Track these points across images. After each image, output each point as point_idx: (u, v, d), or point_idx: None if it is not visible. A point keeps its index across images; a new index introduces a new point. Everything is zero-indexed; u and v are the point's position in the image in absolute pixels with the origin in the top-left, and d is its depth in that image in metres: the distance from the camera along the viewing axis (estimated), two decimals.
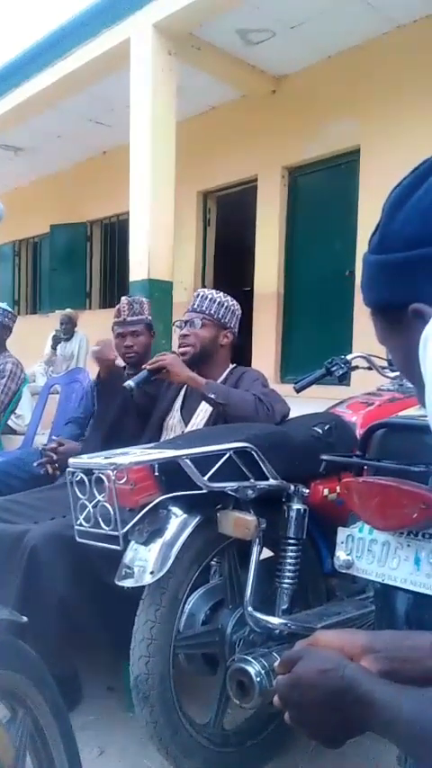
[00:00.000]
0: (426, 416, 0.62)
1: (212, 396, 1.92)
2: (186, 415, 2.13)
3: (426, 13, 5.05)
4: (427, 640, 0.68)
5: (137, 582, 1.47)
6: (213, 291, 2.21)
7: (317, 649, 0.72)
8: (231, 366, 2.22)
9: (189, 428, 2.08)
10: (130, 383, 2.02)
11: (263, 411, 1.89)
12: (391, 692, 0.62)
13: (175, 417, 2.15)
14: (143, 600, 1.50)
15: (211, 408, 2.04)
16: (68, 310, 7.15)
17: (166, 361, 2.02)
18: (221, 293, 2.21)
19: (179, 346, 2.15)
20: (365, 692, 0.63)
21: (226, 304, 2.18)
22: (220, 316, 2.16)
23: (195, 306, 2.18)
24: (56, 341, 6.89)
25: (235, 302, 2.23)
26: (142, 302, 2.57)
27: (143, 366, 2.09)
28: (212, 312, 2.15)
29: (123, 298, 2.65)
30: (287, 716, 0.71)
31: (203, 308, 2.16)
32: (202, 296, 2.19)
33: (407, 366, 0.68)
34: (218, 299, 2.17)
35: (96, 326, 6.56)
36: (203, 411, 2.07)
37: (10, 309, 3.63)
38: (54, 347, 6.88)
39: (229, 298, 2.21)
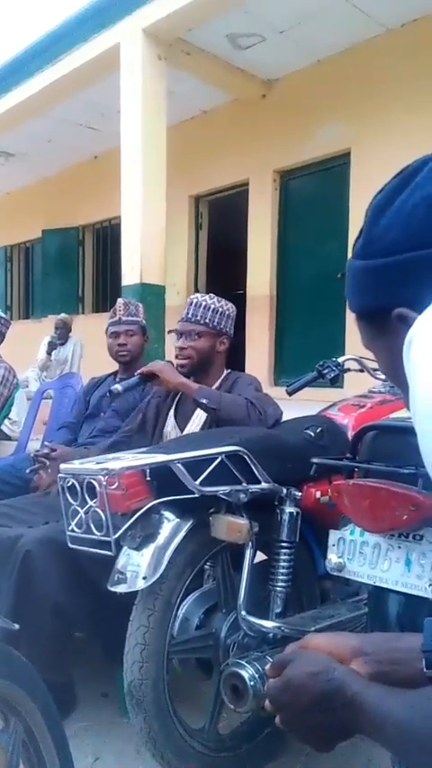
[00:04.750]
0: None
1: (204, 401, 1.92)
2: (181, 421, 2.12)
3: (414, 16, 5.09)
4: (417, 642, 0.68)
5: (130, 587, 1.47)
6: (207, 297, 2.15)
7: (307, 652, 0.72)
8: (226, 372, 2.20)
9: (186, 432, 2.08)
10: (117, 387, 2.01)
11: (255, 415, 1.89)
12: (381, 695, 0.62)
13: (169, 424, 2.14)
14: (136, 605, 1.50)
15: (206, 413, 2.04)
16: (63, 315, 7.13)
17: (158, 368, 2.01)
18: (215, 298, 2.16)
19: (176, 358, 2.12)
20: (355, 694, 0.63)
21: (221, 310, 2.13)
22: (215, 323, 2.11)
23: (190, 315, 2.11)
24: (51, 346, 6.87)
25: (229, 305, 2.18)
26: (137, 305, 2.64)
27: (135, 373, 2.08)
28: (208, 321, 2.10)
29: (119, 299, 2.69)
30: (278, 719, 0.72)
31: (198, 318, 2.10)
32: (196, 304, 2.12)
33: (392, 370, 0.69)
34: (212, 306, 2.12)
35: (89, 331, 6.57)
36: (199, 417, 2.06)
37: (3, 315, 3.62)
38: (49, 353, 6.86)
39: (223, 302, 2.16)
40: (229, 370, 2.22)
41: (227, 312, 2.15)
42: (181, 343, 2.11)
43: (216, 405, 1.90)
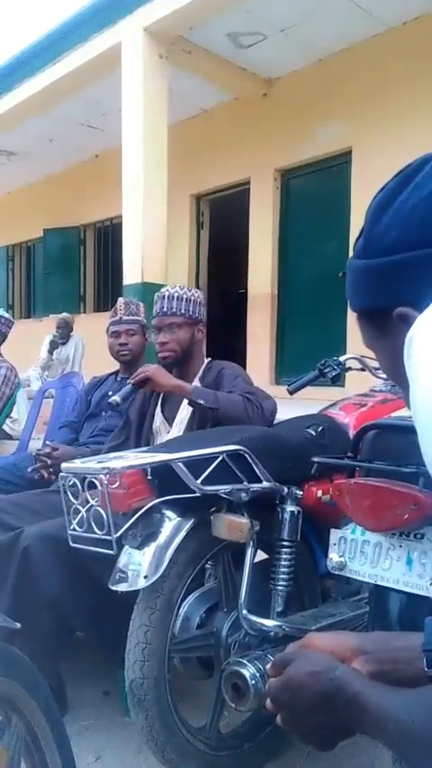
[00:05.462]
0: None
1: (202, 401, 1.91)
2: (169, 415, 2.11)
3: (415, 15, 5.08)
4: (418, 641, 0.68)
5: (131, 586, 1.47)
6: (177, 288, 2.14)
7: (308, 652, 0.72)
8: (207, 360, 2.20)
9: (174, 426, 2.07)
10: (115, 398, 1.98)
11: (252, 410, 1.88)
12: (381, 694, 0.62)
13: (157, 420, 2.14)
14: (138, 604, 1.50)
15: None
16: (65, 314, 7.14)
17: (149, 372, 1.99)
18: (185, 288, 2.15)
19: (159, 353, 2.12)
20: (355, 693, 0.63)
21: (192, 298, 2.12)
22: (191, 312, 2.11)
23: (165, 309, 2.10)
24: (53, 346, 6.87)
25: (198, 292, 2.17)
26: (138, 304, 2.65)
27: (127, 381, 2.06)
28: (183, 311, 2.09)
29: (120, 298, 2.69)
30: (279, 718, 0.72)
31: (174, 309, 2.09)
32: (169, 296, 2.11)
33: (393, 369, 0.69)
34: (184, 296, 2.11)
35: (91, 330, 6.57)
36: (185, 410, 2.06)
37: (5, 315, 3.61)
38: (51, 352, 6.86)
39: (192, 290, 2.16)
40: (210, 359, 2.22)
41: (198, 300, 2.15)
42: (162, 338, 2.10)
43: (213, 404, 1.89)
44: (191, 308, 2.11)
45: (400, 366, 0.62)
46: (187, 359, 2.13)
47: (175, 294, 2.11)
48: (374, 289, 0.68)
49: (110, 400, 2.00)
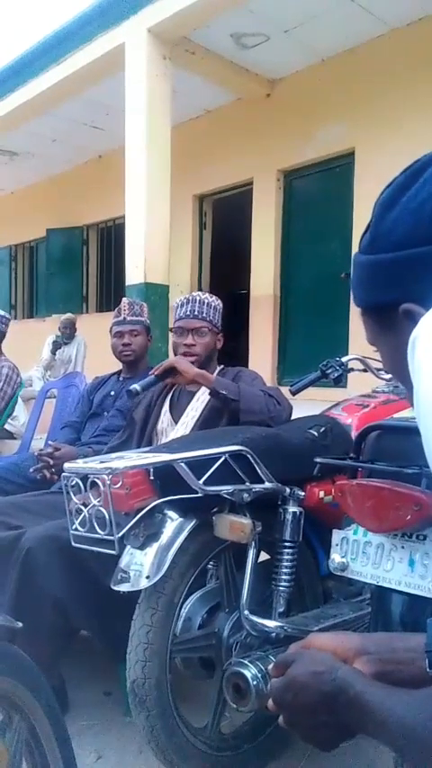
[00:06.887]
0: None
1: (224, 392, 1.88)
2: (176, 416, 2.11)
3: (418, 15, 5.08)
4: (420, 642, 0.68)
5: (133, 586, 1.47)
6: (207, 295, 2.18)
7: (310, 652, 0.72)
8: (219, 367, 2.21)
9: (180, 426, 2.07)
10: (136, 387, 1.95)
11: (273, 405, 1.88)
12: (383, 694, 0.62)
13: (164, 421, 2.13)
14: (139, 604, 1.50)
15: (201, 406, 2.02)
16: (70, 315, 7.13)
17: (173, 361, 1.96)
18: (213, 296, 2.19)
19: (184, 355, 2.10)
20: (357, 693, 0.63)
21: (218, 306, 2.17)
22: (216, 320, 2.16)
23: (196, 312, 2.12)
24: (56, 346, 6.87)
25: (219, 300, 2.20)
26: (142, 305, 2.66)
27: (150, 373, 2.03)
28: (211, 318, 2.14)
29: (124, 299, 2.70)
30: (281, 719, 0.71)
31: (204, 315, 2.12)
32: (200, 301, 2.14)
33: (396, 367, 0.68)
34: (213, 304, 2.15)
35: (93, 330, 6.59)
36: (193, 410, 2.06)
37: (2, 312, 3.61)
38: (53, 352, 6.86)
39: (216, 297, 2.20)
40: (222, 366, 2.22)
41: (220, 308, 2.19)
42: (190, 340, 2.11)
43: (236, 396, 1.88)
44: (216, 316, 2.16)
45: (404, 364, 0.62)
46: (204, 365, 2.13)
47: (205, 300, 2.15)
48: (380, 284, 0.67)
49: (130, 387, 1.94)
